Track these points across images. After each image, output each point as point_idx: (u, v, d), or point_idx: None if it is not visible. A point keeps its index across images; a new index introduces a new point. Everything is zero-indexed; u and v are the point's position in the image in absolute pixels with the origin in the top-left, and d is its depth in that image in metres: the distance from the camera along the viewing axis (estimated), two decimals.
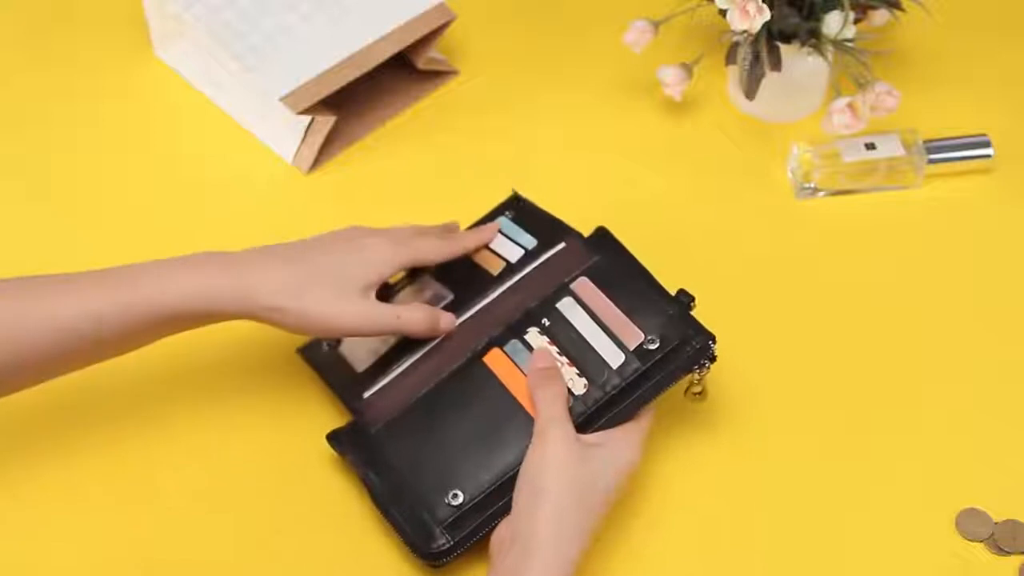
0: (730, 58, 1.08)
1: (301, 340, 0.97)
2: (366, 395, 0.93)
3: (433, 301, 0.95)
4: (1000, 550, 0.87)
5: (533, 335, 0.91)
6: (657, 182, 1.09)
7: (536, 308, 0.92)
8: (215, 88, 1.15)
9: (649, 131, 1.12)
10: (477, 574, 0.86)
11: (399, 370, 0.93)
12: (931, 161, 1.06)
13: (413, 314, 0.92)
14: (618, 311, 0.90)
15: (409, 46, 1.11)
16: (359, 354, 0.95)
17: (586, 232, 0.96)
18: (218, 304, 0.86)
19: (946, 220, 1.05)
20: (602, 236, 0.95)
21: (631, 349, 0.88)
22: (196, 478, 0.92)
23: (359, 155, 1.12)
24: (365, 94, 1.13)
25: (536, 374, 0.88)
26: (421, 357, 0.93)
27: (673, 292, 0.90)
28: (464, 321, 0.93)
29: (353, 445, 0.90)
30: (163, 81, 1.17)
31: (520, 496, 0.83)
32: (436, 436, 0.89)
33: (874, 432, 0.93)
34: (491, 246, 0.98)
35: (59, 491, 0.92)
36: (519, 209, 1.00)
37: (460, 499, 0.86)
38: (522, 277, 0.94)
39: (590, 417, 0.87)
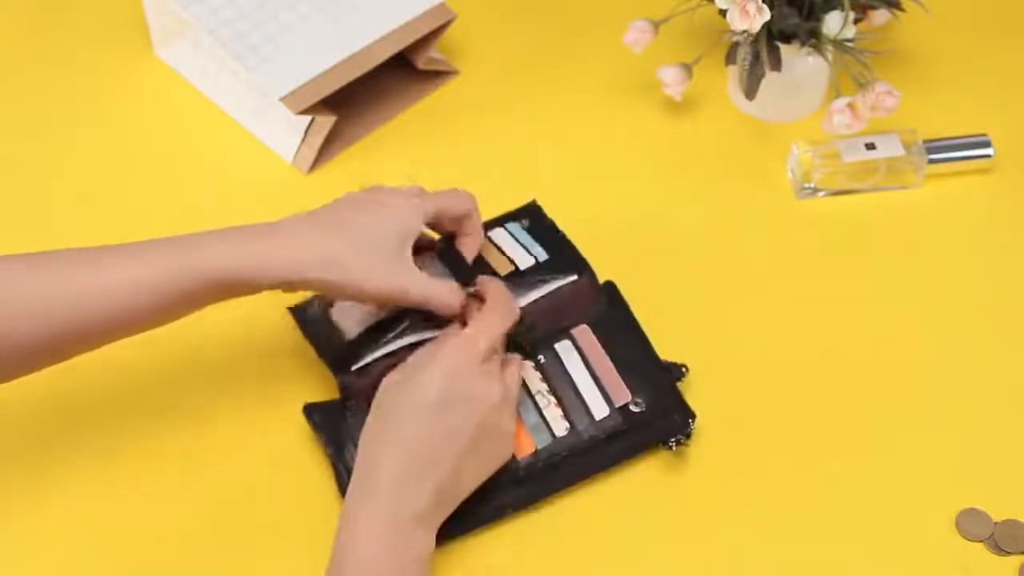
0: (730, 58, 1.08)
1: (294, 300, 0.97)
2: (354, 367, 0.92)
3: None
4: (1000, 550, 0.87)
5: (527, 368, 0.92)
6: (657, 182, 1.09)
7: (535, 343, 0.93)
8: (215, 88, 1.15)
9: (649, 131, 1.12)
10: (454, 564, 0.87)
11: (390, 347, 0.92)
12: (931, 161, 1.06)
13: (443, 292, 0.90)
14: (611, 366, 0.92)
15: (409, 46, 1.12)
16: (350, 321, 0.95)
17: (594, 255, 0.96)
18: (259, 273, 0.86)
19: (946, 220, 1.05)
20: (610, 288, 0.96)
21: (616, 406, 0.90)
22: (177, 458, 0.92)
23: (359, 155, 1.12)
24: (365, 94, 1.13)
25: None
26: (415, 343, 0.92)
27: (671, 329, 0.92)
28: None
29: (330, 423, 0.90)
30: (163, 81, 1.17)
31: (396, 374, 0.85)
32: None
33: (874, 432, 0.93)
34: (503, 248, 0.98)
35: (46, 478, 0.92)
36: (535, 219, 1.00)
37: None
38: (529, 303, 0.94)
39: (563, 460, 0.88)
